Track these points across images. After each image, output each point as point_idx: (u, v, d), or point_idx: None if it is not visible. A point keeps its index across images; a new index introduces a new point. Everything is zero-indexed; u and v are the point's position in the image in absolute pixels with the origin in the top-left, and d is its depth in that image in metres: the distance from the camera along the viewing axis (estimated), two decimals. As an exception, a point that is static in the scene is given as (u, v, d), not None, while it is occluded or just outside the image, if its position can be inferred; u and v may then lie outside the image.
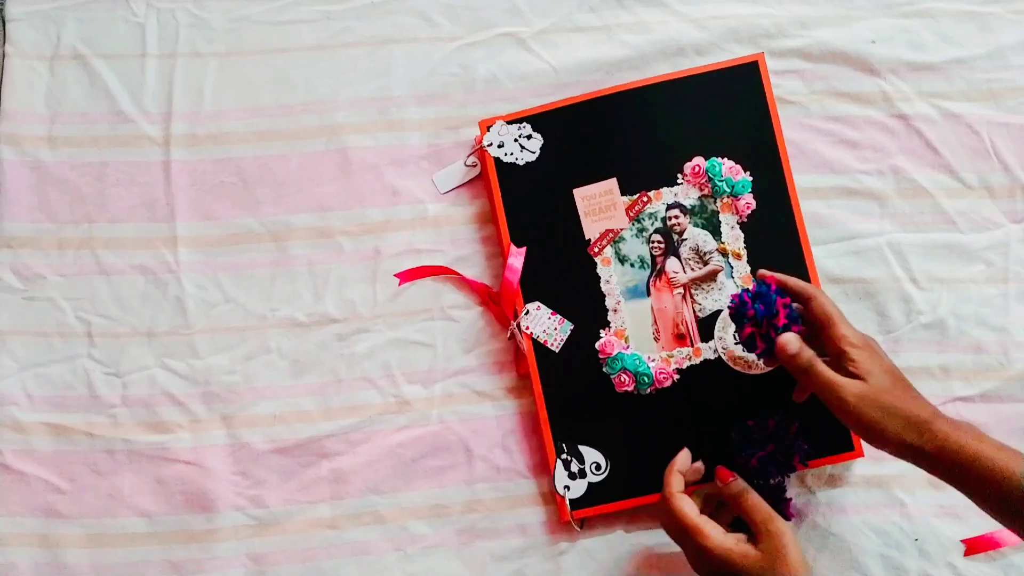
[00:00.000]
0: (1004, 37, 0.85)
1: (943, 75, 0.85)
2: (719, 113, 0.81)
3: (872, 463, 0.78)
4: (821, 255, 0.81)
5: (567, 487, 0.77)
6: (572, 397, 0.78)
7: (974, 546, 0.76)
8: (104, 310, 0.82)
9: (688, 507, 0.68)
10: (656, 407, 0.77)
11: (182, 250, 0.83)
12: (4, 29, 0.88)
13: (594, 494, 0.77)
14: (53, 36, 0.87)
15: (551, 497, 0.78)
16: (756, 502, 0.67)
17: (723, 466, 0.71)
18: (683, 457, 0.73)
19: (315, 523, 0.79)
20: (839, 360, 0.66)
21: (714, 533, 0.66)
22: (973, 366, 0.80)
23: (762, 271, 0.72)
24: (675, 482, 0.70)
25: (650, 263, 0.79)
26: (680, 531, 0.67)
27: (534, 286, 0.80)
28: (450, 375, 0.81)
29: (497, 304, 0.81)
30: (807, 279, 0.77)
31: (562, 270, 0.80)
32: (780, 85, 0.85)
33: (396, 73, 0.87)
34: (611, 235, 0.80)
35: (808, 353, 0.67)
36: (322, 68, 0.87)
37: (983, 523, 0.75)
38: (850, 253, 0.82)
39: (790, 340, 0.67)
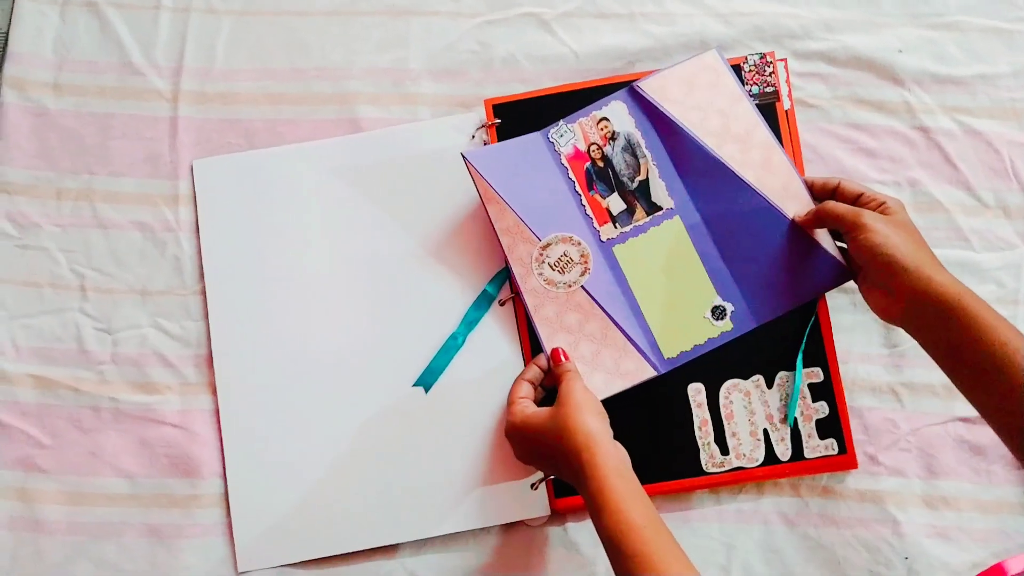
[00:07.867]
0: (1032, 56, 0.84)
1: (967, 90, 0.84)
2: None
3: (868, 477, 0.77)
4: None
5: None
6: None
7: None
8: (99, 264, 0.81)
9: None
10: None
11: (183, 209, 0.81)
12: (16, -30, 0.86)
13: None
14: (65, -20, 0.86)
15: (536, 486, 0.77)
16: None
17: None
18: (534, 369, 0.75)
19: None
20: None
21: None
22: (977, 386, 0.78)
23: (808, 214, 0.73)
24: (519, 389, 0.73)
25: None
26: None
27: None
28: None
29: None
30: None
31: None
32: (802, 87, 0.83)
33: (413, 46, 0.85)
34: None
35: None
36: (337, 34, 0.85)
37: (974, 546, 0.75)
38: (861, 263, 0.80)
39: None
